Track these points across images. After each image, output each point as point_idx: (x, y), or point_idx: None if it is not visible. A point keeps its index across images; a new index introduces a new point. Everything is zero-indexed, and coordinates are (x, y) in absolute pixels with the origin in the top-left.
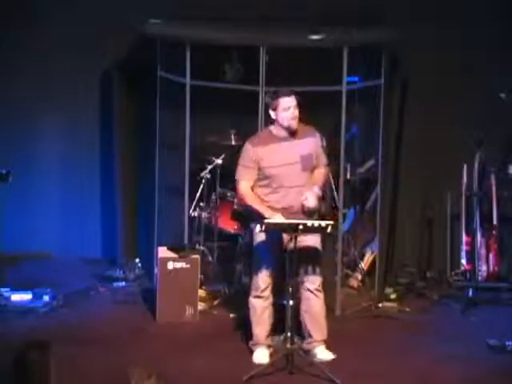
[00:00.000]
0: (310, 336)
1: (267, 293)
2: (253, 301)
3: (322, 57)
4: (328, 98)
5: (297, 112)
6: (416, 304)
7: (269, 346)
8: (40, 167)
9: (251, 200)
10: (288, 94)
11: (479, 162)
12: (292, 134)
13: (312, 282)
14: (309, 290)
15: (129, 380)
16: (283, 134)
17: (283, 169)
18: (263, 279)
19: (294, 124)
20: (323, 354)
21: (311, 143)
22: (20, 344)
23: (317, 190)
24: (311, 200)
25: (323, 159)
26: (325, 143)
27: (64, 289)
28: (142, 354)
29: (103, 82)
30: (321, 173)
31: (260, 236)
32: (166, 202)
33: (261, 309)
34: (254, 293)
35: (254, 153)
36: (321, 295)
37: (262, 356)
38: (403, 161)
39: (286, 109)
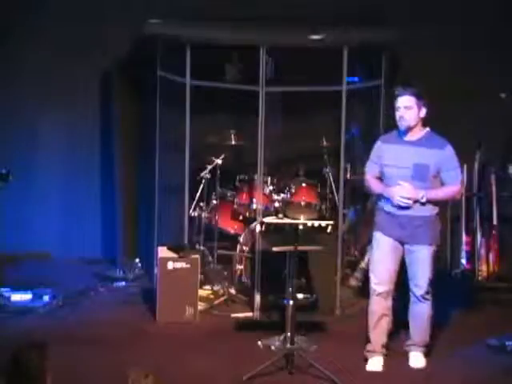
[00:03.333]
0: (409, 338)
1: (381, 297)
2: (369, 304)
3: (321, 57)
4: (328, 97)
5: (408, 114)
6: None
7: (384, 355)
8: (40, 167)
9: (375, 187)
10: (402, 94)
11: (479, 162)
12: (415, 138)
13: (420, 288)
14: (415, 295)
15: (126, 380)
16: (405, 135)
17: (393, 170)
18: (376, 282)
19: (402, 125)
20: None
21: (433, 155)
22: (17, 344)
23: (422, 193)
24: (406, 192)
25: (452, 177)
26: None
27: (64, 289)
28: (142, 354)
29: (103, 82)
30: (445, 189)
31: (376, 240)
32: (166, 202)
33: (376, 313)
34: (370, 296)
35: (378, 148)
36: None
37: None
38: None
39: (397, 108)
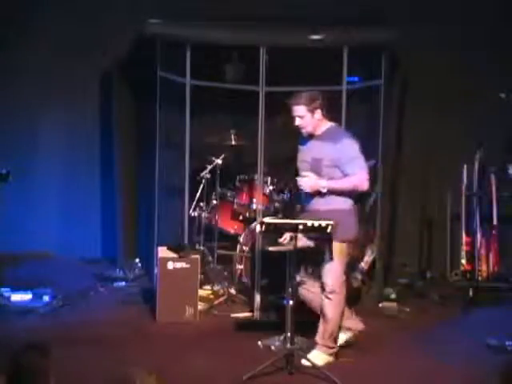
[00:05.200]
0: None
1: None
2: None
3: (322, 57)
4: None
5: (303, 122)
6: (416, 304)
7: None
8: (40, 167)
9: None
10: (293, 104)
11: (479, 162)
12: (317, 133)
13: (325, 285)
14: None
15: (128, 380)
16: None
17: (300, 165)
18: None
19: (303, 132)
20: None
21: (326, 149)
22: (19, 345)
23: (323, 183)
24: (306, 182)
25: (352, 167)
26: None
27: (64, 289)
28: (142, 353)
29: (103, 81)
30: (348, 178)
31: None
32: (166, 202)
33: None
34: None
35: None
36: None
37: None
38: (403, 161)
39: (293, 117)
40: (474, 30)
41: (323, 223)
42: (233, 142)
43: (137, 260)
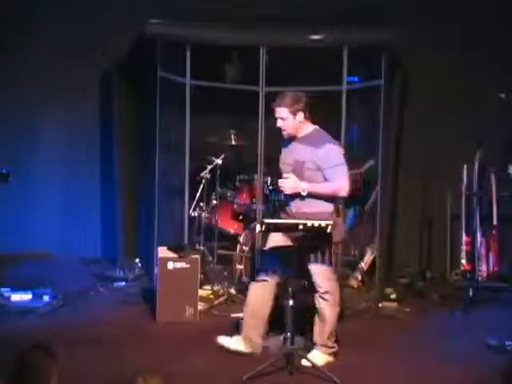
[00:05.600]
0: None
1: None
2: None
3: (322, 57)
4: (328, 97)
5: (284, 124)
6: (416, 304)
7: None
8: (40, 167)
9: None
10: (275, 106)
11: (479, 162)
12: (300, 136)
13: (317, 286)
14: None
15: (130, 380)
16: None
17: (282, 167)
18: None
19: (284, 134)
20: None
21: (309, 152)
22: (22, 345)
23: (303, 185)
24: (287, 183)
25: (333, 173)
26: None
27: (64, 289)
28: (142, 353)
29: (103, 81)
30: (328, 183)
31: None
32: (166, 202)
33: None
34: None
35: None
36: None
37: None
38: (403, 161)
39: (275, 119)
40: (474, 29)
41: (323, 223)
42: (233, 142)
43: (137, 260)
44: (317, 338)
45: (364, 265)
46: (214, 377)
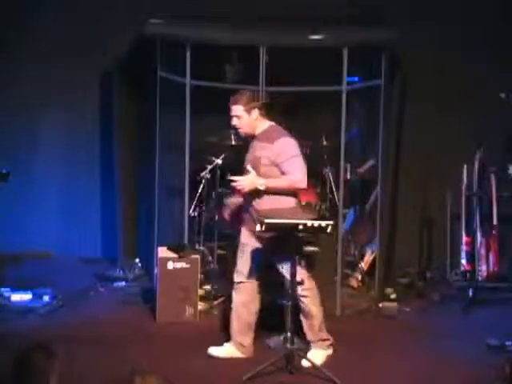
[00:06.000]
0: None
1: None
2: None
3: (322, 57)
4: (328, 97)
5: (239, 122)
6: (416, 304)
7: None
8: (40, 167)
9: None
10: (231, 104)
11: (479, 162)
12: (258, 133)
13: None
14: None
15: (128, 378)
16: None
17: (246, 165)
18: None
19: (239, 132)
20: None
21: (264, 148)
22: (23, 345)
23: (260, 181)
24: (244, 181)
25: (288, 166)
26: None
27: (64, 289)
28: (142, 353)
29: (103, 81)
30: (285, 177)
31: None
32: (166, 202)
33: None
34: None
35: None
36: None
37: None
38: (403, 161)
39: (231, 116)
40: (473, 29)
41: (323, 223)
42: (233, 142)
43: (137, 260)
44: (309, 335)
45: (364, 265)
46: (214, 377)
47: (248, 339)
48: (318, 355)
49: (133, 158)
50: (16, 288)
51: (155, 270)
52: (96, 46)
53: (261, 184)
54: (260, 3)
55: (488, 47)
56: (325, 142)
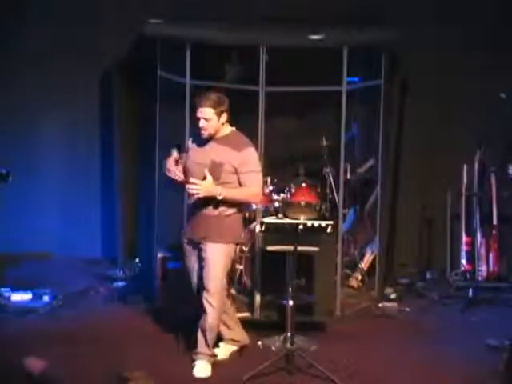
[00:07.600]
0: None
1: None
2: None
3: (322, 57)
4: (328, 98)
5: (208, 124)
6: (416, 304)
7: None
8: (40, 167)
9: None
10: (201, 105)
11: (479, 162)
12: (218, 136)
13: (206, 290)
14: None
15: (125, 380)
16: None
17: (194, 166)
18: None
19: (203, 134)
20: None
21: (228, 154)
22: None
23: (219, 189)
24: (205, 186)
25: (249, 179)
26: None
27: (64, 289)
28: (142, 354)
29: (103, 81)
30: (245, 189)
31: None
32: (166, 202)
33: None
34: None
35: (188, 147)
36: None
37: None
38: (403, 161)
39: (198, 117)
40: (473, 29)
41: (323, 223)
42: None
43: (137, 260)
44: (200, 347)
45: (364, 265)
46: (214, 377)
47: (238, 332)
48: (204, 368)
49: (133, 158)
50: (16, 288)
51: (155, 270)
52: (96, 46)
53: (220, 193)
54: (260, 3)
55: (488, 47)
56: (325, 142)
